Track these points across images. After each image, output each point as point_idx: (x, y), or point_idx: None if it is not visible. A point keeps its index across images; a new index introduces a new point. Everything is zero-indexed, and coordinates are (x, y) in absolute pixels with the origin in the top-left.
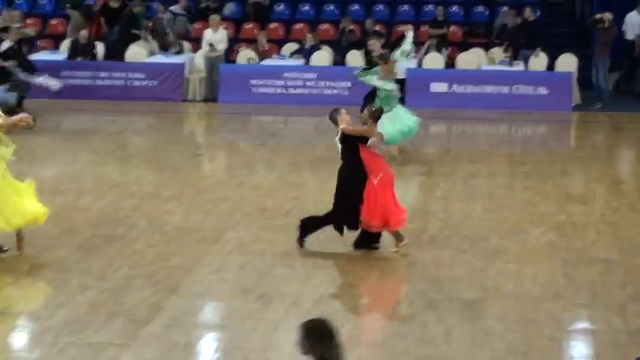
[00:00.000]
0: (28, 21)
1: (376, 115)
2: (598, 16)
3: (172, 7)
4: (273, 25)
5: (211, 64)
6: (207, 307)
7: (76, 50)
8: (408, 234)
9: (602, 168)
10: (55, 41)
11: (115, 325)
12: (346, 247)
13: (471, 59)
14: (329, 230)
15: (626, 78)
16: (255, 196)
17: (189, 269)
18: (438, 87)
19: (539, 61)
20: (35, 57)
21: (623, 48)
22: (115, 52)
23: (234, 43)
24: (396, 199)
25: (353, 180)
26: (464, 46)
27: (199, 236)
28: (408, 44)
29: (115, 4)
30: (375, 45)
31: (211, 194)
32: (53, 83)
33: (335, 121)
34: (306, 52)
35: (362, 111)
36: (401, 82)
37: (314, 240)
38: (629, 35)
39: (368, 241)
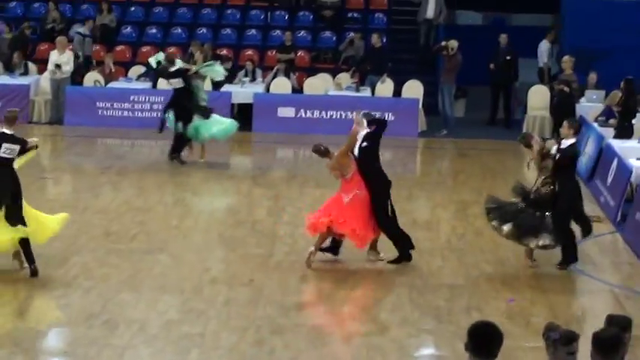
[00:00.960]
0: None
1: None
2: (443, 43)
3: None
4: (120, 48)
5: (57, 85)
6: (52, 332)
7: None
8: (254, 260)
9: (447, 194)
10: None
11: None
12: (193, 272)
13: (319, 84)
14: (175, 254)
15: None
16: (101, 220)
17: (33, 294)
18: (286, 112)
19: (385, 87)
20: None
21: None
22: None
23: None
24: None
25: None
26: (311, 71)
27: (44, 260)
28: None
29: None
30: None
31: None
32: None
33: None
34: (153, 75)
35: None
36: (248, 107)
37: (159, 265)
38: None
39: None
